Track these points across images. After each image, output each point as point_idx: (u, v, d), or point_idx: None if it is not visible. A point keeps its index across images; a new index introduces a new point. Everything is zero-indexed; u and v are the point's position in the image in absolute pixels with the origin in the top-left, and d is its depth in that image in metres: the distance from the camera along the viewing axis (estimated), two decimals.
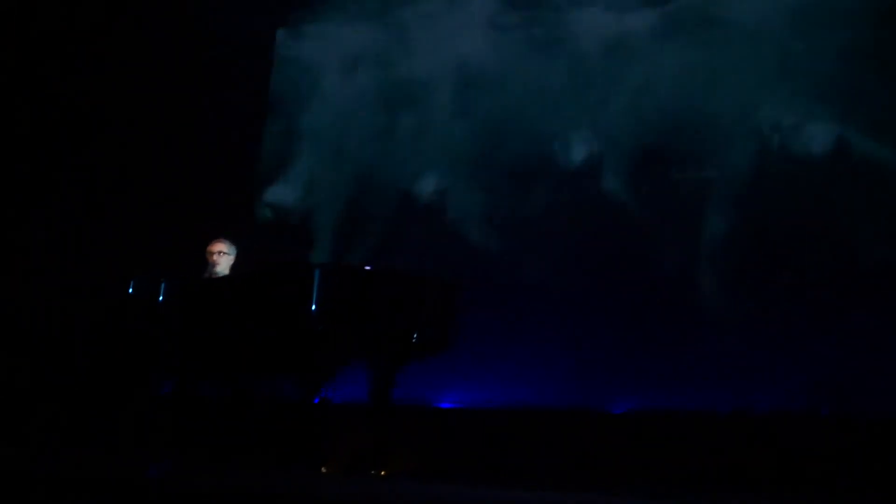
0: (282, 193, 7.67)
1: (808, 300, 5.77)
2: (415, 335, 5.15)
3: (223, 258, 5.59)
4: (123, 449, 5.57)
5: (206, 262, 5.62)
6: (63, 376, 6.53)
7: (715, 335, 5.97)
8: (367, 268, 5.40)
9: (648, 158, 6.48)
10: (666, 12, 6.58)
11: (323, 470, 5.22)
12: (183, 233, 6.62)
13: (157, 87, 7.61)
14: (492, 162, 7.03)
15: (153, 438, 5.49)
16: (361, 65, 7.63)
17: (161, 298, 5.38)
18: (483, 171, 7.09)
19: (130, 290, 5.48)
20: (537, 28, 7.05)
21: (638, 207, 6.52)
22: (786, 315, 5.81)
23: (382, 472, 5.14)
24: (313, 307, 4.84)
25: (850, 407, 5.43)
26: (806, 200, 5.96)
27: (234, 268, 5.66)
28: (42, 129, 7.52)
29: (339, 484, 4.68)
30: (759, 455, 5.32)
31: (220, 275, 5.59)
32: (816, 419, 5.53)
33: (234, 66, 7.61)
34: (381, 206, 7.30)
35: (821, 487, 5.04)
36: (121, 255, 6.86)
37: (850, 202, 5.80)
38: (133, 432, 5.70)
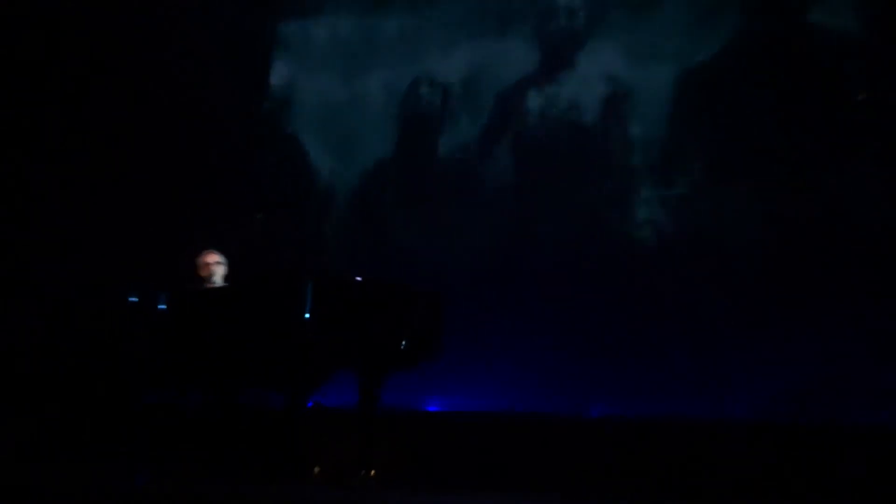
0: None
1: (774, 314, 5.91)
2: (403, 343, 5.18)
3: (219, 268, 5.67)
4: (117, 456, 5.55)
5: (198, 275, 5.70)
6: (60, 385, 6.51)
7: (686, 345, 6.07)
8: (358, 278, 5.37)
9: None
10: None
11: (315, 470, 5.30)
12: (181, 244, 6.58)
13: (158, 101, 7.64)
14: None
15: (145, 446, 5.45)
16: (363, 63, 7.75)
17: (161, 308, 5.43)
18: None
19: (131, 300, 5.54)
20: None
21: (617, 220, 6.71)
22: (754, 327, 5.95)
23: (371, 474, 5.16)
24: (306, 316, 4.93)
25: (812, 415, 5.59)
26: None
27: (226, 277, 5.74)
28: (45, 143, 7.53)
29: (328, 489, 4.79)
30: (727, 459, 5.42)
31: (216, 284, 5.67)
32: (783, 426, 5.64)
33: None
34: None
35: (785, 492, 5.17)
36: (122, 266, 6.87)
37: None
38: (126, 440, 5.68)
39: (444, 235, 7.20)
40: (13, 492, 3.99)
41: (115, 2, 7.76)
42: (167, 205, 7.47)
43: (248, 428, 5.53)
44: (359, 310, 5.14)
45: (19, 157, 7.51)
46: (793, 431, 5.58)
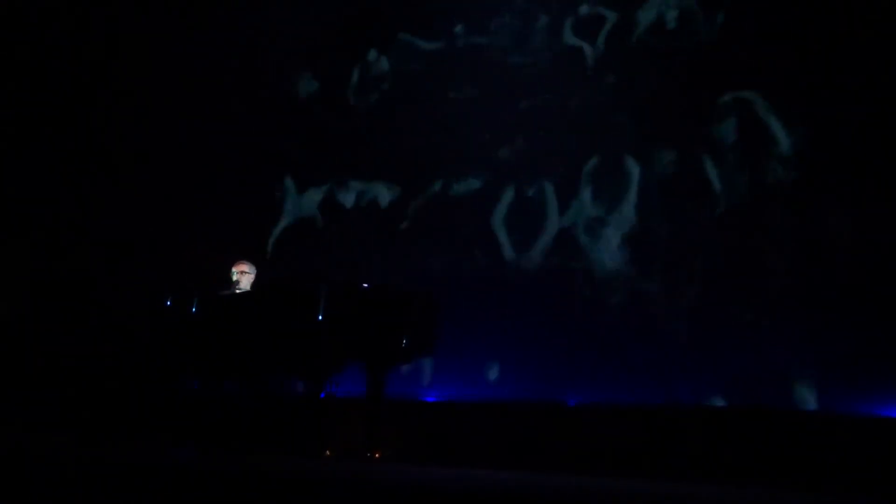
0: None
1: (722, 311, 6.17)
2: (404, 341, 5.54)
3: (245, 277, 6.14)
4: (158, 436, 5.96)
5: (230, 280, 6.14)
6: (112, 376, 6.87)
7: (650, 340, 6.32)
8: (365, 285, 5.68)
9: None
10: None
11: (327, 453, 5.71)
12: (213, 254, 6.99)
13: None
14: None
15: (183, 428, 5.89)
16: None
17: (194, 311, 5.91)
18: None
19: (168, 304, 6.03)
20: None
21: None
22: (705, 322, 6.21)
23: (377, 455, 5.54)
24: (320, 317, 5.31)
25: (760, 399, 5.85)
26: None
27: (254, 284, 6.18)
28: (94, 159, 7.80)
29: (339, 465, 4.95)
30: (685, 441, 5.76)
31: (243, 290, 6.12)
32: (733, 410, 5.94)
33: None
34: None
35: (733, 470, 5.45)
36: (161, 274, 7.24)
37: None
38: (166, 423, 6.12)
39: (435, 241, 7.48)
40: (78, 465, 4.14)
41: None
42: (203, 213, 7.84)
43: (272, 412, 5.86)
44: (365, 312, 5.49)
45: (68, 171, 7.80)
46: (735, 414, 5.89)
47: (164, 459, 4.46)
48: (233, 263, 6.22)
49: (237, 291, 6.17)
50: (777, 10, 6.42)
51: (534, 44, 7.51)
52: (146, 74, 8.12)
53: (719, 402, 6.12)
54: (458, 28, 7.81)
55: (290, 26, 8.13)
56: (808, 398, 5.89)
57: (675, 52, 6.84)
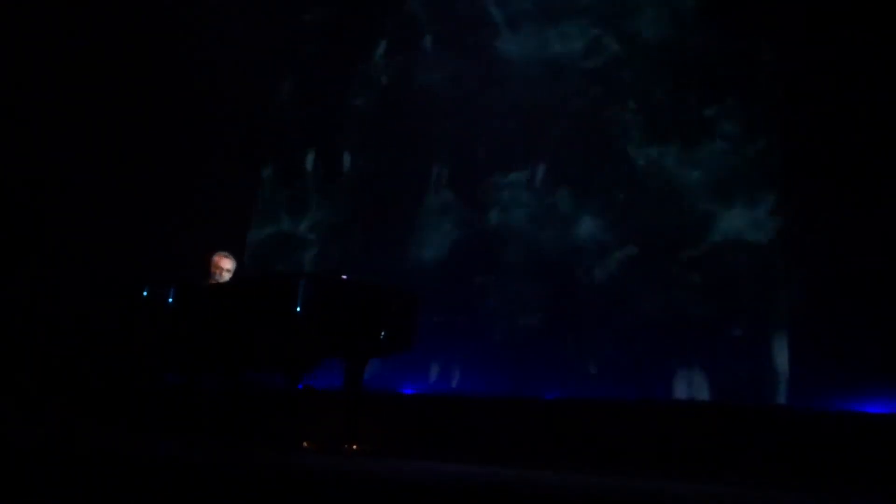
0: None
1: (694, 313, 6.26)
2: (382, 335, 5.53)
3: (223, 269, 6.13)
4: (135, 429, 5.94)
5: (209, 271, 6.12)
6: (86, 369, 6.83)
7: (624, 338, 6.42)
8: (344, 277, 5.61)
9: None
10: None
11: (304, 445, 5.73)
12: (189, 243, 6.97)
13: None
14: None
15: (161, 421, 5.88)
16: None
17: (170, 301, 5.85)
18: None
19: (144, 294, 5.98)
20: None
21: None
22: (677, 322, 6.31)
23: (354, 448, 5.53)
24: (298, 310, 5.25)
25: (732, 396, 5.96)
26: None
27: (233, 276, 6.16)
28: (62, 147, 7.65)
29: (317, 458, 4.87)
30: (660, 435, 5.82)
31: (222, 282, 6.07)
32: (705, 406, 6.03)
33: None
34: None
35: (708, 463, 5.51)
36: (135, 263, 7.17)
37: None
38: (144, 416, 6.09)
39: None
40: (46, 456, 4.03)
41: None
42: (177, 203, 7.78)
43: (250, 405, 5.88)
44: (344, 305, 5.46)
45: (36, 161, 7.64)
46: (706, 410, 5.99)
47: (140, 452, 4.36)
48: (212, 255, 6.22)
49: (214, 282, 6.17)
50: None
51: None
52: (125, 64, 8.07)
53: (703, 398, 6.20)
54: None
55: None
56: (784, 394, 5.97)
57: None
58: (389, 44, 8.33)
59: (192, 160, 8.01)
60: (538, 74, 7.49)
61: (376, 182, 7.94)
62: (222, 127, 8.03)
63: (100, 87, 7.88)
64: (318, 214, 8.11)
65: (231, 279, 6.16)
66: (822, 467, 5.23)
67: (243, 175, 8.13)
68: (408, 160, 7.81)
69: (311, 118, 8.41)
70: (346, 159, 8.11)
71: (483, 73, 7.66)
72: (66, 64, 7.74)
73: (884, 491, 4.89)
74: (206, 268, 6.18)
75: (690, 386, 6.17)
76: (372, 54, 8.38)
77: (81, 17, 7.79)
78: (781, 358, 5.97)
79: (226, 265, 6.15)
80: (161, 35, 7.96)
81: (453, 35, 7.97)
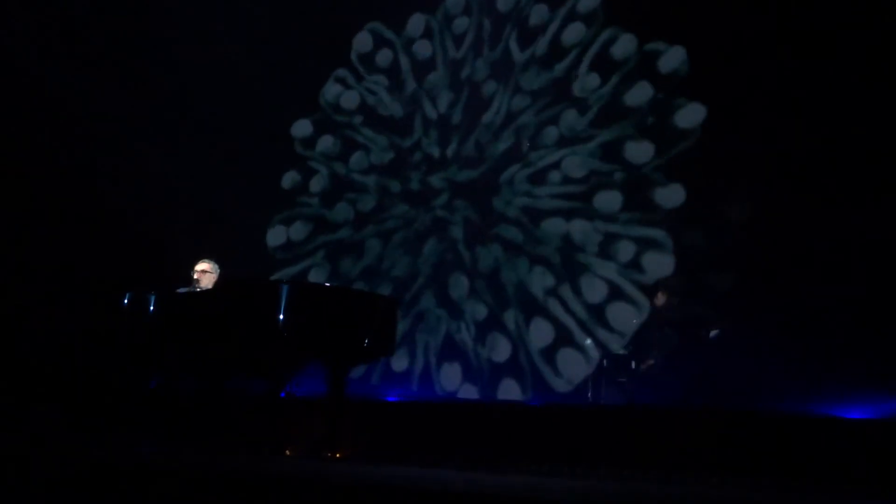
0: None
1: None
2: (365, 341, 5.53)
3: (206, 276, 6.07)
4: (117, 435, 5.89)
5: (191, 279, 6.08)
6: (68, 375, 6.79)
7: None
8: (326, 284, 5.72)
9: None
10: None
11: (287, 453, 5.67)
12: (172, 251, 6.95)
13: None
14: None
15: (143, 425, 5.83)
16: None
17: (151, 309, 5.80)
18: None
19: (125, 301, 5.94)
20: None
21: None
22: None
23: (337, 455, 5.49)
24: (280, 316, 5.24)
25: (713, 399, 6.01)
26: None
27: (216, 283, 6.07)
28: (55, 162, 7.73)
29: (299, 465, 4.89)
30: (642, 438, 5.73)
31: (205, 288, 6.02)
32: (688, 410, 6.02)
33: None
34: None
35: (689, 466, 5.39)
36: (117, 271, 7.13)
37: None
38: (126, 420, 6.06)
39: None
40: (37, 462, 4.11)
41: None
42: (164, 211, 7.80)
43: (232, 411, 5.86)
44: (327, 311, 5.46)
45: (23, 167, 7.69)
46: (689, 414, 5.96)
47: (121, 458, 4.41)
48: (196, 261, 6.18)
49: (197, 290, 6.12)
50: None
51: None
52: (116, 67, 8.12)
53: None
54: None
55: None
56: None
57: None
58: None
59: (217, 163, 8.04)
60: None
61: None
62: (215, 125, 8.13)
63: (101, 87, 7.94)
64: None
65: (214, 285, 6.11)
66: (801, 471, 5.22)
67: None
68: None
69: None
70: None
71: None
72: (69, 65, 7.79)
73: (865, 493, 4.90)
74: (189, 275, 6.17)
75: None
76: None
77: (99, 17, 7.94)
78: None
79: (200, 266, 6.10)
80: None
81: None
